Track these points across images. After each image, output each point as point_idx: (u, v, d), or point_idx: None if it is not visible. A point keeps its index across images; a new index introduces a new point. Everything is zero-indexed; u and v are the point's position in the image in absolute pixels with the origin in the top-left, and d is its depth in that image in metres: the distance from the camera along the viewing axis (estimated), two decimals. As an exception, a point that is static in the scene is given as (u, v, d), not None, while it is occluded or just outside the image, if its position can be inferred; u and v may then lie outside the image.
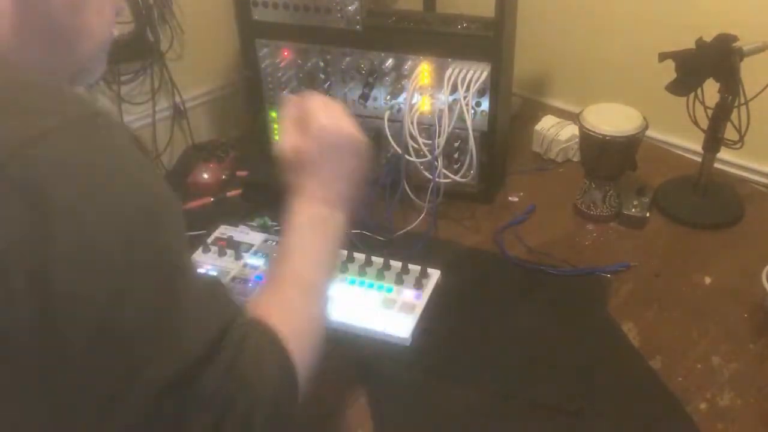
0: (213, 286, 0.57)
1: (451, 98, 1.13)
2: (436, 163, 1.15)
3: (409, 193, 1.20)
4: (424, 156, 1.17)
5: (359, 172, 0.76)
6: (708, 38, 1.09)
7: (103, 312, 0.46)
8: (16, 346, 0.44)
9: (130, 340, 0.48)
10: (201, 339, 0.52)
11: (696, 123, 1.16)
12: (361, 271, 1.06)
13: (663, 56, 1.10)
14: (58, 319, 0.45)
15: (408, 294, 1.02)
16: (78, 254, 0.45)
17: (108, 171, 0.48)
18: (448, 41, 1.14)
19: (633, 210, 1.19)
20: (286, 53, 1.24)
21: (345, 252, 1.08)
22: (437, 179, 1.16)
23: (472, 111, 1.15)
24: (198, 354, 0.52)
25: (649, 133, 1.17)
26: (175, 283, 0.51)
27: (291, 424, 0.60)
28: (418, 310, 0.99)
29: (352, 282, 1.05)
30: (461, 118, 1.14)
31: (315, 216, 0.71)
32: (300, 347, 0.62)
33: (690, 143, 1.38)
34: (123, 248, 0.47)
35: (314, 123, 0.72)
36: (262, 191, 1.26)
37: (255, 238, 1.15)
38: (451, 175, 1.19)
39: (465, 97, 1.13)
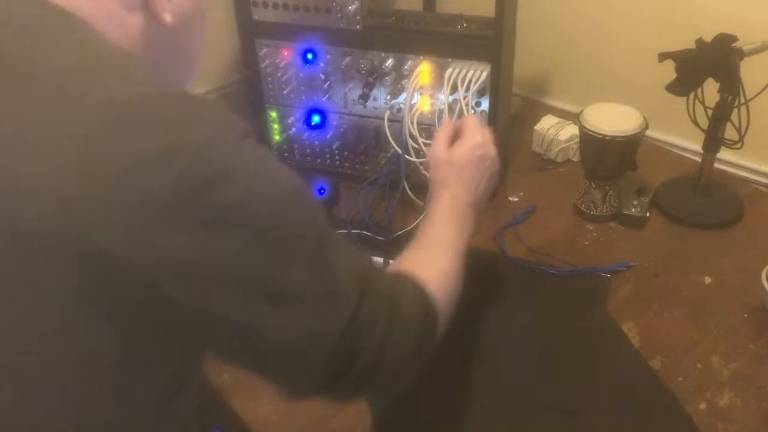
0: (352, 246, 0.64)
1: (451, 98, 1.14)
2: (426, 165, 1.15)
3: (409, 193, 1.20)
4: (424, 156, 1.17)
5: (491, 185, 0.91)
6: (708, 38, 1.09)
7: (273, 278, 0.53)
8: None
9: (302, 300, 0.55)
10: (355, 294, 0.59)
11: (696, 123, 1.16)
12: (361, 271, 1.05)
13: (663, 56, 1.10)
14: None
15: (408, 294, 1.01)
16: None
17: (264, 157, 0.54)
18: (448, 41, 1.14)
19: (633, 210, 1.19)
20: (286, 53, 1.24)
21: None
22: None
23: (472, 111, 1.15)
24: (353, 307, 0.59)
25: (649, 133, 1.17)
26: (326, 246, 0.58)
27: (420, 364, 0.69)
28: (418, 310, 0.99)
29: (352, 282, 1.05)
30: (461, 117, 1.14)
31: (456, 210, 0.84)
32: (442, 299, 0.71)
33: (690, 143, 1.38)
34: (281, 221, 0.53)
35: (472, 137, 0.89)
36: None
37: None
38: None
39: (465, 97, 1.13)
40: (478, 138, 0.89)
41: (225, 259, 0.50)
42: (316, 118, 1.28)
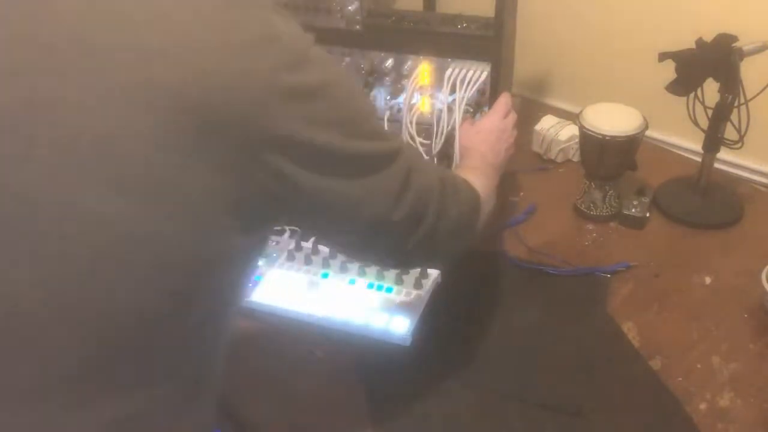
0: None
1: (450, 98, 1.14)
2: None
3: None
4: (426, 156, 1.17)
5: (508, 156, 1.08)
6: (708, 38, 1.09)
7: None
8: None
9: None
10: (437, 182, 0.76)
11: (696, 123, 1.16)
12: (361, 271, 1.06)
13: (663, 56, 1.10)
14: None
15: (408, 294, 1.02)
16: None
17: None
18: (448, 41, 1.14)
19: (633, 210, 1.19)
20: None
21: (345, 252, 1.09)
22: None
23: (471, 111, 1.15)
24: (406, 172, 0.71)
25: (649, 133, 1.17)
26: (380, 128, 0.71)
27: (465, 243, 0.84)
28: (418, 310, 0.99)
29: (352, 282, 1.05)
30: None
31: (484, 162, 1.00)
32: (484, 203, 0.87)
33: (690, 143, 1.38)
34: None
35: (497, 113, 1.09)
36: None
37: (255, 238, 1.15)
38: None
39: (465, 97, 1.13)
40: (501, 115, 1.08)
41: (321, 139, 0.60)
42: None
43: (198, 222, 0.56)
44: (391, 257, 0.78)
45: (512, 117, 1.11)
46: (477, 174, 0.93)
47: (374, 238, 0.72)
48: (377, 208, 0.68)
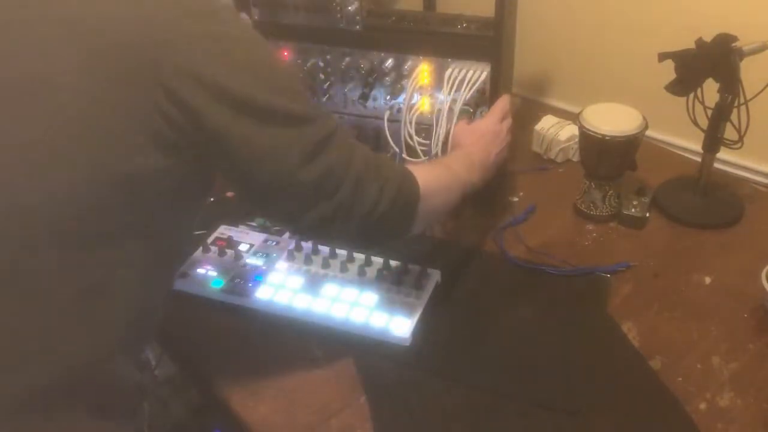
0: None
1: (450, 98, 1.13)
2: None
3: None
4: (423, 156, 1.17)
5: (499, 160, 1.10)
6: (708, 38, 1.09)
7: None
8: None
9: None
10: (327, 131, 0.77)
11: (696, 123, 1.16)
12: (361, 271, 1.06)
13: (663, 56, 1.10)
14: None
15: (408, 294, 1.02)
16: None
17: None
18: (448, 41, 1.14)
19: (633, 210, 1.19)
20: (286, 53, 1.24)
21: (345, 252, 1.09)
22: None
23: (471, 111, 1.15)
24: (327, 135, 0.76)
25: (649, 133, 1.17)
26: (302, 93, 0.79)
27: (384, 235, 0.85)
28: (418, 311, 0.99)
29: (353, 282, 1.05)
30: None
31: (467, 158, 1.01)
32: (431, 192, 0.87)
33: (690, 143, 1.38)
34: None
35: (493, 116, 1.09)
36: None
37: (255, 238, 1.15)
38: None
39: (465, 98, 1.13)
40: (497, 118, 1.10)
41: (224, 78, 0.68)
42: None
43: (115, 139, 0.66)
44: (294, 221, 0.80)
45: (508, 121, 1.12)
46: (447, 164, 0.96)
47: (276, 195, 0.76)
48: (280, 164, 0.73)
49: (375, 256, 1.07)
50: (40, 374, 0.66)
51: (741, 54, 1.07)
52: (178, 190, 0.73)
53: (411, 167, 0.87)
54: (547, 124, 1.39)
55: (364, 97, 1.21)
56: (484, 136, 1.07)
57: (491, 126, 1.08)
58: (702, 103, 1.15)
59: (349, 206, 0.78)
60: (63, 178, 0.65)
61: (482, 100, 1.16)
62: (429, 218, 0.90)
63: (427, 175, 0.88)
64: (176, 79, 0.66)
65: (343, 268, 1.07)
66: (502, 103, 1.12)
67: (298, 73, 0.78)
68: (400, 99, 1.19)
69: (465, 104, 1.13)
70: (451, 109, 1.13)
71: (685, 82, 1.11)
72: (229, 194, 1.30)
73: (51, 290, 0.67)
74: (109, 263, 0.70)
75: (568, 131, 1.36)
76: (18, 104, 0.65)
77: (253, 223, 1.20)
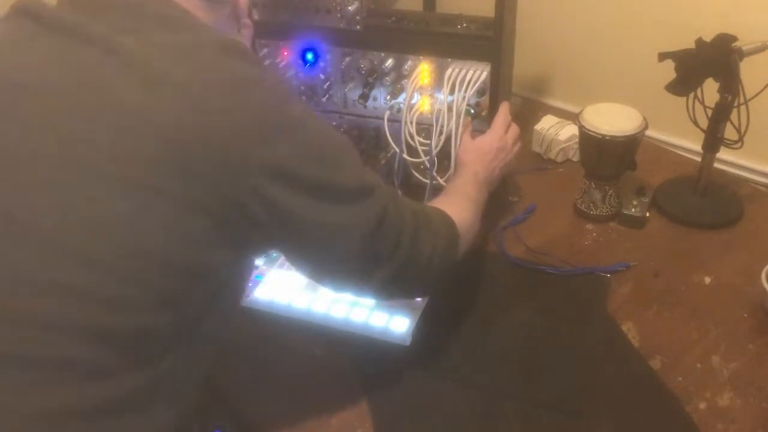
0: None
1: (450, 98, 1.13)
2: (428, 163, 1.15)
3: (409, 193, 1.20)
4: (423, 156, 1.17)
5: (503, 173, 1.13)
6: (708, 38, 1.09)
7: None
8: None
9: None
10: (384, 199, 0.78)
11: (696, 123, 1.16)
12: (361, 271, 1.05)
13: (663, 56, 1.10)
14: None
15: (408, 294, 1.02)
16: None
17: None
18: (448, 41, 1.14)
19: (633, 210, 1.19)
20: (286, 53, 1.24)
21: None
22: (434, 179, 1.16)
23: (471, 112, 1.15)
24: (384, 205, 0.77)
25: (649, 133, 1.17)
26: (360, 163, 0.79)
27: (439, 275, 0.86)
28: (418, 310, 0.99)
29: (352, 282, 1.05)
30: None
31: (475, 180, 1.04)
32: (465, 229, 0.92)
33: (690, 143, 1.38)
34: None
35: (497, 130, 1.11)
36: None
37: (255, 238, 1.15)
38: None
39: (465, 97, 1.13)
40: (501, 132, 1.11)
41: (304, 169, 0.68)
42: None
43: (188, 234, 0.64)
44: (360, 286, 0.82)
45: (513, 132, 1.13)
46: (464, 198, 0.99)
47: (342, 265, 0.77)
48: (351, 237, 0.74)
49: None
50: None
51: (741, 54, 1.07)
52: (226, 282, 0.72)
53: (440, 205, 0.91)
54: (547, 124, 1.39)
55: (364, 97, 1.21)
56: (488, 154, 1.09)
57: (495, 143, 1.10)
58: (702, 102, 1.15)
59: (405, 265, 0.80)
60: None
61: (482, 101, 1.16)
62: (464, 250, 0.93)
63: (459, 214, 0.91)
64: (262, 176, 0.65)
65: (343, 268, 1.06)
66: (503, 114, 1.13)
67: (349, 140, 0.79)
68: (400, 99, 1.19)
69: (466, 104, 1.13)
70: (450, 109, 1.13)
71: (685, 82, 1.11)
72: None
73: None
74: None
75: (568, 131, 1.36)
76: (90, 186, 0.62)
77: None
